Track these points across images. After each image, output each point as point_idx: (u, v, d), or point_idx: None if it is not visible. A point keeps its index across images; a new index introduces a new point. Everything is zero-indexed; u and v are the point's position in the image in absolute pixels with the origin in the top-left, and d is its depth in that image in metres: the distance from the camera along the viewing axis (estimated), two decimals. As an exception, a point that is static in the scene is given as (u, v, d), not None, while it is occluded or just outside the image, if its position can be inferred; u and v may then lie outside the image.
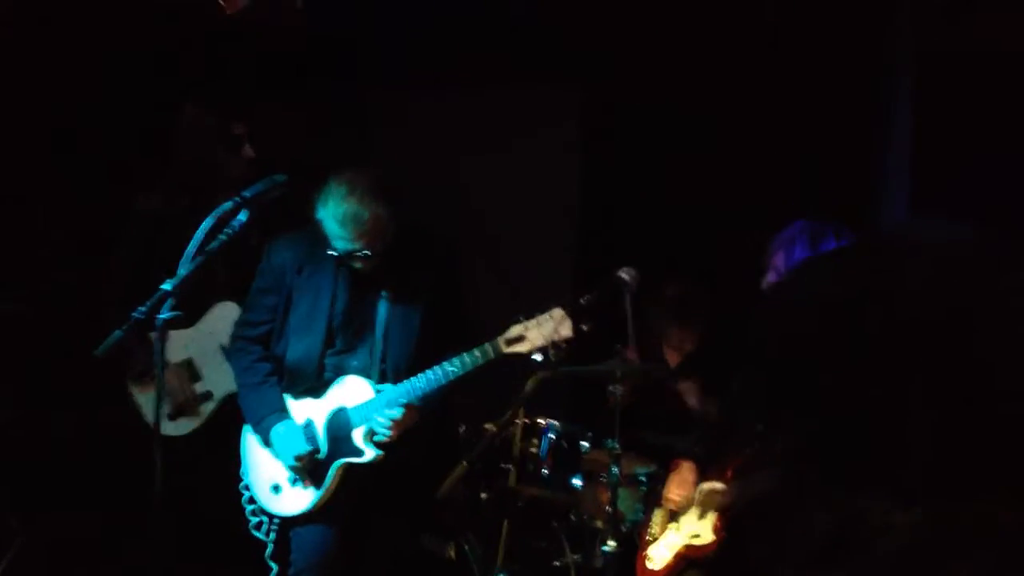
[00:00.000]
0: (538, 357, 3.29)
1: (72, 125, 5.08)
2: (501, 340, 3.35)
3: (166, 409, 4.03)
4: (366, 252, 3.45)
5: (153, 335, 3.85)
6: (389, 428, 3.44)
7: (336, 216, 3.41)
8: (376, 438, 3.47)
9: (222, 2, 4.38)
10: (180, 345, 4.02)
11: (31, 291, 4.89)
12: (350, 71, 5.38)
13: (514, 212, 5.39)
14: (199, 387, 4.06)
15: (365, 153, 5.36)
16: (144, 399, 4.02)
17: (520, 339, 3.32)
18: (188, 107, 4.18)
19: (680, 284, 4.64)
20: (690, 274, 4.69)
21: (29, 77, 4.97)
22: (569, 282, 5.13)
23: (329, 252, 3.50)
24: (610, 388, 4.11)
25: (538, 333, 3.29)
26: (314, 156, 4.38)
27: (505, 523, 4.33)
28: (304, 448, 3.51)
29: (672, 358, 4.78)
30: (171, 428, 4.03)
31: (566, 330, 3.27)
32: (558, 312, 3.29)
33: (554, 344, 3.27)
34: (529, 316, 3.33)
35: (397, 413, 3.42)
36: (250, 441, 3.68)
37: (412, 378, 3.43)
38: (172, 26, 5.16)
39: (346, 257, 3.49)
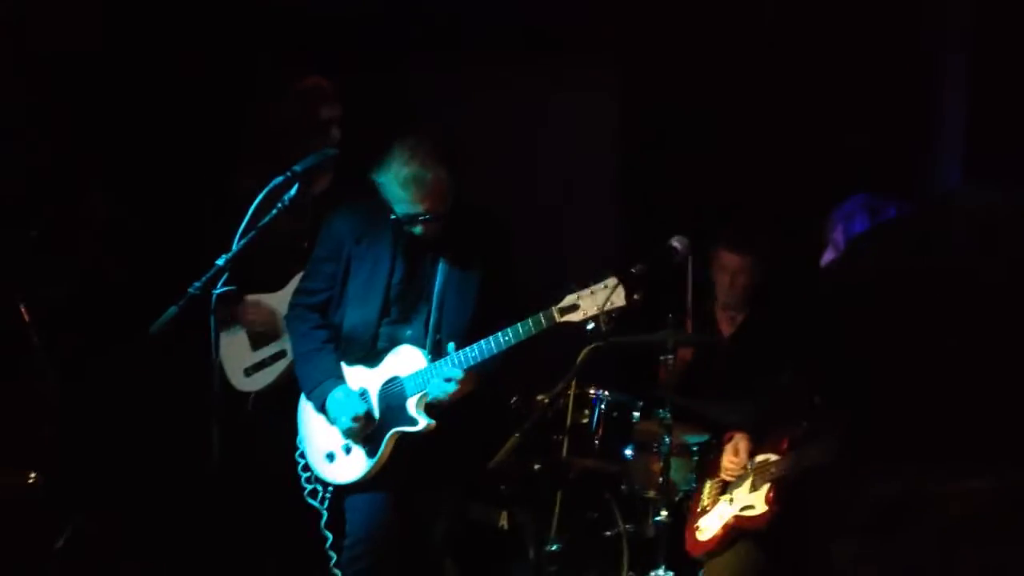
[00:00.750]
0: (591, 326, 3.28)
1: (124, 116, 5.16)
2: (555, 309, 3.34)
3: (242, 365, 4.18)
4: (427, 215, 3.46)
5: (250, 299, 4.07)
6: (445, 394, 3.44)
7: (399, 178, 3.42)
8: (429, 399, 3.48)
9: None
10: (266, 307, 4.18)
11: (84, 275, 4.98)
12: (397, 45, 5.38)
13: (559, 185, 5.37)
14: (275, 346, 4.17)
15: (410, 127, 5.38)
16: (226, 337, 4.14)
17: (574, 308, 3.30)
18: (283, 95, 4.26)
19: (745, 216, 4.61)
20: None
21: (80, 66, 5.06)
22: (615, 254, 5.10)
23: (391, 217, 3.50)
24: (662, 358, 4.12)
25: (591, 302, 3.27)
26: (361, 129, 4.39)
27: (558, 493, 4.34)
28: (361, 409, 3.53)
29: (725, 328, 4.75)
30: (245, 383, 4.17)
31: (619, 299, 3.26)
32: (612, 281, 3.27)
33: (607, 313, 3.26)
34: (583, 285, 3.31)
35: (455, 378, 3.43)
36: (305, 409, 3.70)
37: (467, 347, 3.43)
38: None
39: (407, 220, 3.49)
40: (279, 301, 4.17)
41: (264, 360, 4.20)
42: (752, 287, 4.60)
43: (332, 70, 4.37)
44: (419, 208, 3.45)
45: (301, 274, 4.04)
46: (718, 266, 4.62)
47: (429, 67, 5.36)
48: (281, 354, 4.16)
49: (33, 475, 4.70)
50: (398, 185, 3.43)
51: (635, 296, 3.28)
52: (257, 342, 4.22)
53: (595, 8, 5.10)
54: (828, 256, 3.53)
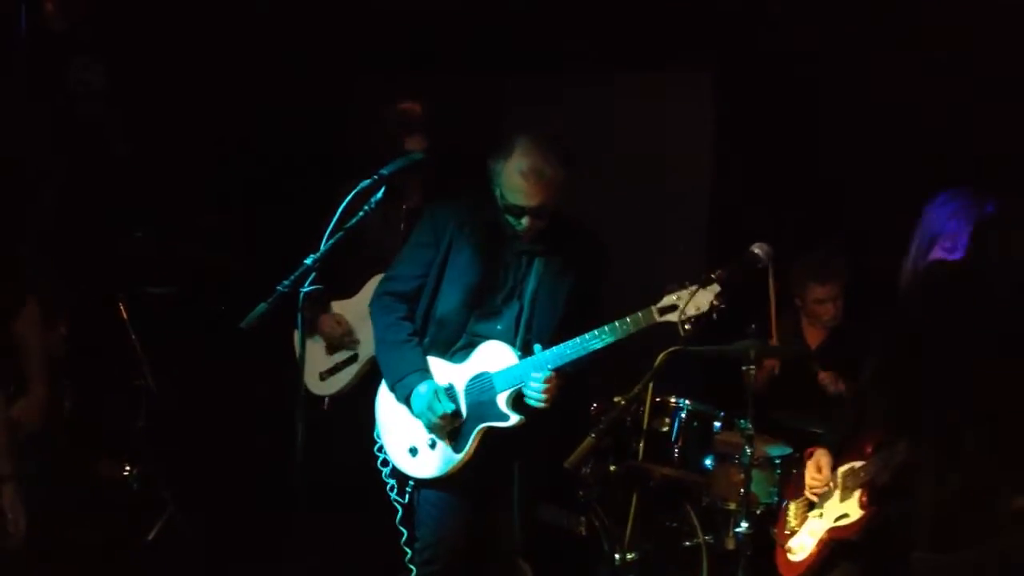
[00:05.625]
0: (688, 327, 3.30)
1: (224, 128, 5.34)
2: (654, 308, 3.36)
3: (318, 368, 4.30)
4: (536, 209, 3.49)
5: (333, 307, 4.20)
6: (542, 393, 3.45)
7: (519, 167, 3.46)
8: (528, 401, 3.49)
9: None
10: (340, 312, 4.31)
11: (189, 276, 5.15)
12: (481, 54, 5.46)
13: (647, 191, 5.38)
14: (348, 350, 4.29)
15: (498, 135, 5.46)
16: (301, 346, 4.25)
17: (672, 308, 3.34)
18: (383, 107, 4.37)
19: (817, 248, 4.59)
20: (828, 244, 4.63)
21: (183, 79, 5.24)
22: (706, 262, 5.08)
23: (495, 209, 3.54)
24: (744, 368, 4.08)
25: (689, 303, 3.30)
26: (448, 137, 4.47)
27: (635, 498, 4.32)
28: (448, 407, 3.55)
29: (812, 337, 4.69)
30: (320, 387, 4.27)
31: (716, 300, 3.29)
32: (710, 281, 3.30)
33: (705, 313, 3.29)
34: (682, 285, 3.34)
35: (547, 376, 3.44)
36: (385, 402, 3.72)
37: (562, 344, 3.45)
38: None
39: (513, 211, 3.51)
40: (353, 308, 4.26)
41: (338, 364, 4.30)
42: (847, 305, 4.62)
43: (431, 83, 4.46)
44: (531, 200, 3.47)
45: (376, 279, 4.13)
46: (812, 300, 4.63)
47: (528, 81, 5.44)
48: (353, 358, 4.25)
49: (128, 468, 4.88)
50: (517, 173, 3.46)
51: (715, 302, 3.27)
52: (332, 347, 4.32)
53: (691, 22, 5.11)
54: (943, 254, 3.42)
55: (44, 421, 3.95)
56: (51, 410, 4.26)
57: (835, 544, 3.61)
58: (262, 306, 3.43)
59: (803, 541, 3.72)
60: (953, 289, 3.05)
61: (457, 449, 3.58)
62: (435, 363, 3.63)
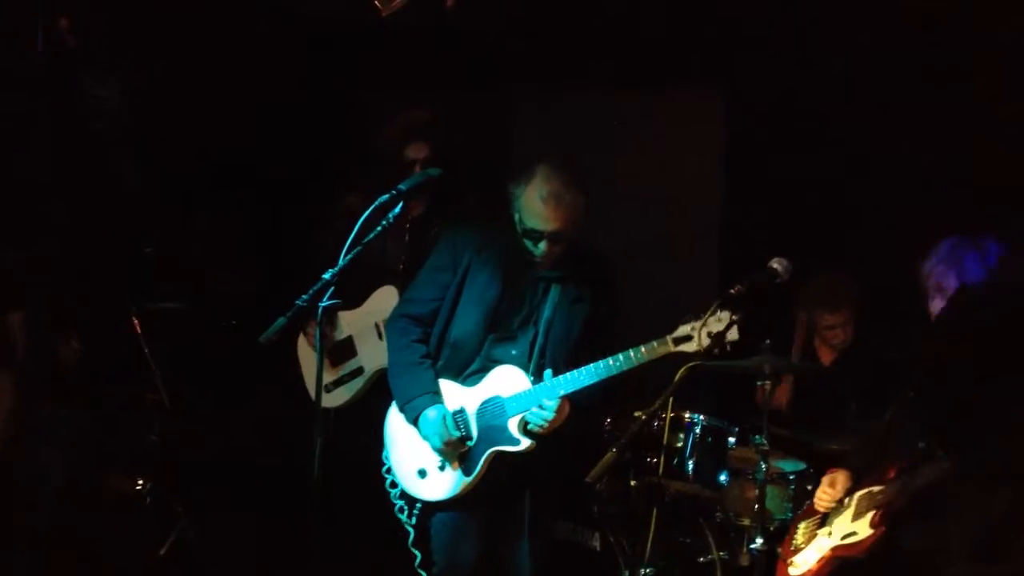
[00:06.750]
0: (706, 341, 3.30)
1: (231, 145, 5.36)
2: (669, 338, 3.36)
3: (324, 380, 4.26)
4: (555, 234, 3.50)
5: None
6: (545, 420, 3.45)
7: (540, 193, 3.48)
8: (530, 427, 3.49)
9: (378, 3, 4.51)
10: (345, 323, 4.32)
11: (197, 292, 5.16)
12: (494, 70, 5.48)
13: (660, 212, 5.40)
14: (353, 363, 4.28)
15: (507, 153, 5.50)
16: (306, 358, 4.33)
17: (688, 338, 3.34)
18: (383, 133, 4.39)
19: (827, 273, 4.60)
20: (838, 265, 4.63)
21: (191, 91, 5.27)
22: (720, 279, 5.09)
23: (514, 232, 3.55)
24: (759, 383, 4.09)
25: (705, 333, 3.30)
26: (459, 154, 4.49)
27: (654, 514, 4.32)
28: (454, 434, 3.55)
29: (825, 356, 4.70)
30: (325, 399, 4.27)
31: (732, 333, 3.29)
32: (725, 314, 3.30)
33: (721, 344, 3.28)
34: (697, 316, 3.33)
35: (554, 405, 3.44)
36: (395, 423, 3.71)
37: (574, 370, 3.44)
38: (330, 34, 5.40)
39: (532, 236, 3.53)
40: (359, 319, 4.27)
41: (343, 377, 4.30)
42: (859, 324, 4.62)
43: (438, 100, 4.47)
44: (550, 225, 3.49)
45: (380, 291, 4.13)
46: (823, 327, 4.63)
47: (535, 98, 5.46)
48: (359, 371, 4.26)
49: (141, 481, 4.88)
50: (538, 198, 3.48)
51: (734, 317, 3.28)
52: (336, 359, 4.32)
53: (701, 40, 5.14)
54: (939, 304, 3.47)
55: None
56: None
57: (839, 562, 3.61)
58: (281, 320, 3.44)
59: (806, 557, 3.72)
60: (978, 311, 3.08)
61: (467, 472, 3.57)
62: (447, 386, 3.63)
